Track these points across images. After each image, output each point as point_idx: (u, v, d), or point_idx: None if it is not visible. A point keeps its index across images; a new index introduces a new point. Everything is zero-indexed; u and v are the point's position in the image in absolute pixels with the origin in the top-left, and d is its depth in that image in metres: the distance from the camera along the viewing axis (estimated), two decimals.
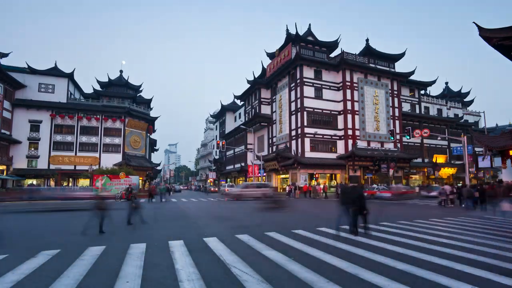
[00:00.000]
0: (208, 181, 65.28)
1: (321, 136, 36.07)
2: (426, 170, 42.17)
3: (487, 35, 14.60)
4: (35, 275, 4.70)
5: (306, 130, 35.20)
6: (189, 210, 16.98)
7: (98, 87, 49.39)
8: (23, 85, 39.25)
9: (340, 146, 36.57)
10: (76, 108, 41.51)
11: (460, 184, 25.49)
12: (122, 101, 46.25)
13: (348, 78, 37.15)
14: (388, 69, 40.67)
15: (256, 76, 46.55)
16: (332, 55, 40.91)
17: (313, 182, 32.50)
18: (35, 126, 39.48)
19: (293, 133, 36.76)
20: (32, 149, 39.09)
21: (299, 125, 35.67)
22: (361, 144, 36.37)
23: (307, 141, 35.17)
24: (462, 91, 57.17)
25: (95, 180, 30.27)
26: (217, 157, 65.59)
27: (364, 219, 8.47)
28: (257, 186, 27.52)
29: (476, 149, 36.11)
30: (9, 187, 34.78)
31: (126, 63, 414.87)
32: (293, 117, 37.08)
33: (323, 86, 37.40)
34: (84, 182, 39.94)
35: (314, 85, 36.84)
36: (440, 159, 43.93)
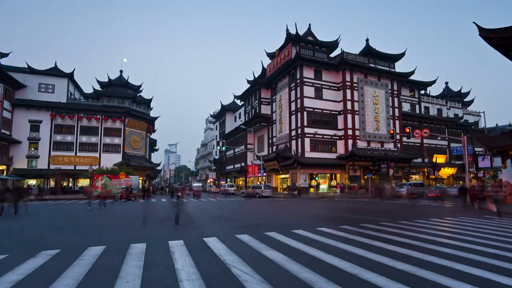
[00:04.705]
0: (208, 181, 65.29)
1: (321, 136, 36.07)
2: (426, 170, 42.17)
3: (487, 35, 14.61)
4: (35, 275, 4.70)
5: (306, 130, 35.20)
6: (188, 209, 16.96)
7: (98, 87, 49.37)
8: (23, 85, 39.23)
9: (340, 146, 36.57)
10: (76, 108, 41.49)
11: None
12: (122, 101, 46.24)
13: (348, 78, 37.15)
14: (388, 69, 40.66)
15: (256, 76, 46.55)
16: (332, 55, 40.91)
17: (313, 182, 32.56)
18: (35, 126, 39.46)
19: (293, 133, 36.76)
20: (32, 149, 39.07)
21: (299, 125, 35.66)
22: (361, 144, 36.37)
23: (307, 141, 35.17)
24: (462, 91, 57.17)
25: (95, 180, 30.29)
26: (217, 157, 65.60)
27: None
28: None
29: (476, 149, 36.05)
30: None
31: (126, 63, 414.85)
32: (293, 117, 37.08)
33: (323, 86, 37.40)
34: (84, 182, 39.96)
35: (314, 85, 36.84)
36: (440, 159, 43.93)
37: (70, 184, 41.32)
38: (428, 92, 52.72)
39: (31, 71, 40.46)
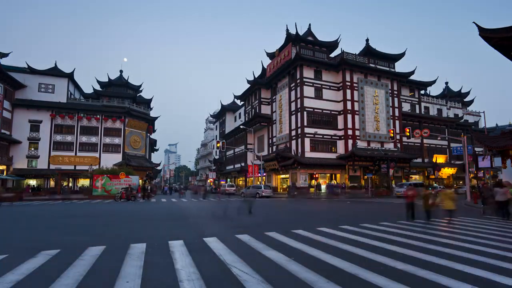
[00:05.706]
0: (208, 181, 65.29)
1: (321, 136, 36.06)
2: (426, 170, 42.17)
3: (487, 35, 14.61)
4: (35, 275, 4.70)
5: (306, 130, 35.20)
6: (189, 210, 16.98)
7: (98, 87, 49.37)
8: (23, 85, 39.23)
9: (340, 146, 36.57)
10: (76, 108, 41.49)
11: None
12: (122, 101, 46.23)
13: (348, 78, 37.15)
14: (388, 69, 40.65)
15: (256, 76, 46.54)
16: (332, 55, 40.90)
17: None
18: (35, 126, 39.46)
19: (293, 133, 36.76)
20: (32, 149, 39.08)
21: (299, 125, 35.66)
22: (361, 144, 36.36)
23: (307, 141, 35.16)
24: (462, 91, 57.16)
25: (95, 180, 30.29)
26: (217, 157, 65.58)
27: None
28: None
29: (476, 149, 36.04)
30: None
31: (126, 62, 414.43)
32: (293, 117, 37.07)
33: (323, 86, 37.39)
34: (84, 182, 39.96)
35: (314, 85, 36.84)
36: (440, 159, 43.94)
37: (70, 184, 41.32)
38: (428, 92, 52.71)
39: (31, 71, 40.46)
